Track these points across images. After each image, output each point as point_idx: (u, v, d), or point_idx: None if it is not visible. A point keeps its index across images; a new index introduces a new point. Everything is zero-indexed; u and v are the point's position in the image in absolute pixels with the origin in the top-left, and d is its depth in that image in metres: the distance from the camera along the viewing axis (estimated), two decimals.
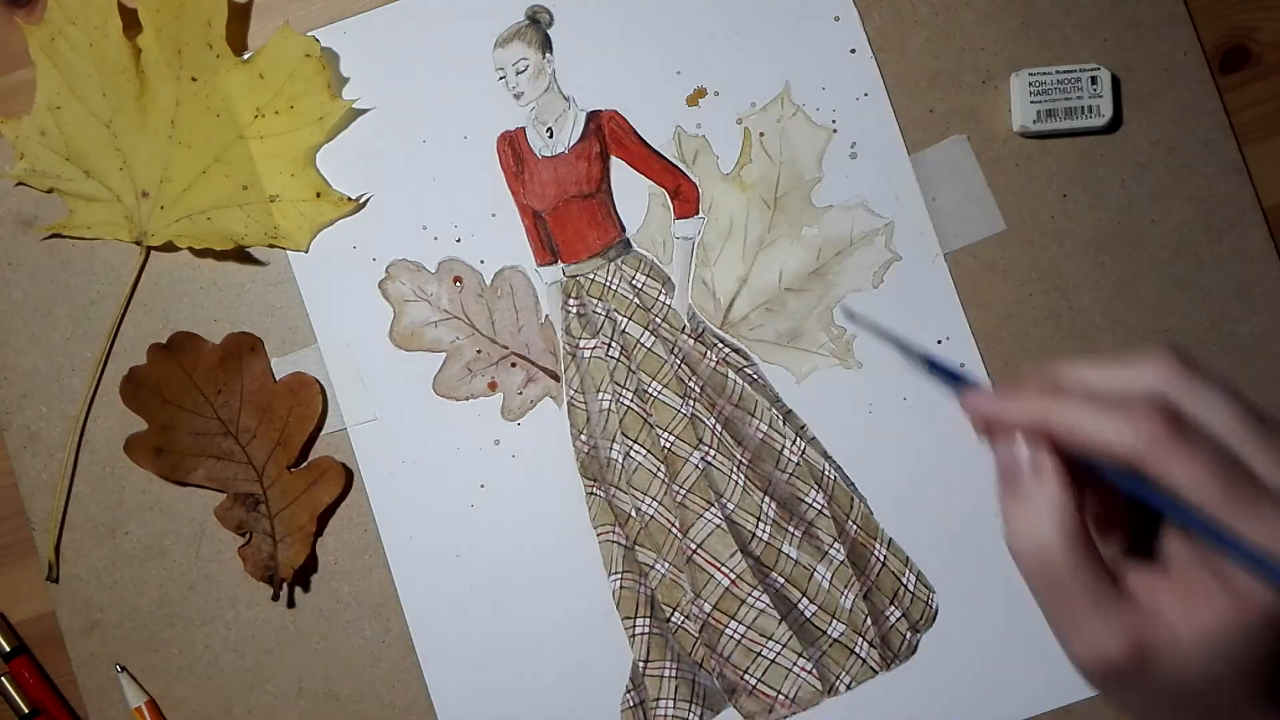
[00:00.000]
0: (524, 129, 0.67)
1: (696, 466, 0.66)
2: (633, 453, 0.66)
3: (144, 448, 0.65)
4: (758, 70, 0.67)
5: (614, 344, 0.67)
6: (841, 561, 0.66)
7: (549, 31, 0.67)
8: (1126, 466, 0.35)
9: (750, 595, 0.65)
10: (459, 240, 0.67)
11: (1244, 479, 0.34)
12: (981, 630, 0.65)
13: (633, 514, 0.66)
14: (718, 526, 0.66)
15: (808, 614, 0.66)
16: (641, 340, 0.67)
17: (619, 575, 0.66)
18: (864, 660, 0.65)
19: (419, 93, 0.67)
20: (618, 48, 0.67)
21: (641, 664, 0.65)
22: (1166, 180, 0.67)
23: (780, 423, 0.66)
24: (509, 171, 0.67)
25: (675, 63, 0.67)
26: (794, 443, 0.66)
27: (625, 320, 0.67)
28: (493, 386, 0.67)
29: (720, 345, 0.67)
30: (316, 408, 0.66)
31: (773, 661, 0.65)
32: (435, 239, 0.67)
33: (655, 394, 0.67)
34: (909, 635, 0.65)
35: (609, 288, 0.67)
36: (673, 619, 0.66)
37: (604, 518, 0.66)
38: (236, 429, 0.66)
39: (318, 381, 0.66)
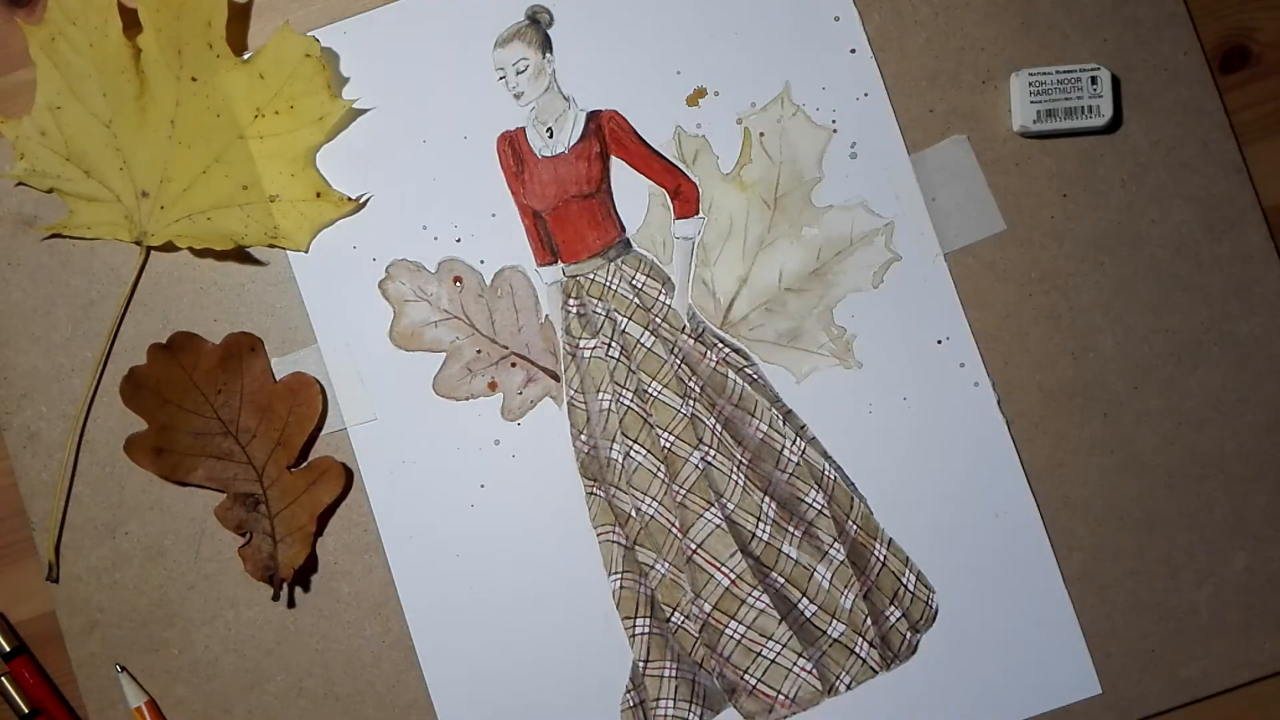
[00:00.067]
0: (524, 129, 0.67)
1: (696, 466, 0.66)
2: (633, 453, 0.66)
3: (144, 448, 0.65)
4: (758, 70, 0.67)
5: (614, 344, 0.67)
6: (841, 561, 0.66)
7: (549, 31, 0.67)
8: None
9: (750, 595, 0.65)
10: (459, 240, 0.67)
11: None
12: (981, 630, 0.65)
13: (633, 514, 0.66)
14: (718, 526, 0.66)
15: (808, 614, 0.66)
16: (641, 340, 0.67)
17: (619, 575, 0.66)
18: (864, 660, 0.65)
19: (419, 93, 0.67)
20: (618, 48, 0.67)
21: (641, 664, 0.65)
22: (1166, 180, 0.67)
23: (780, 423, 0.66)
24: (509, 171, 0.67)
25: (675, 63, 0.67)
26: (794, 443, 0.66)
27: (625, 320, 0.67)
28: (493, 386, 0.67)
29: (720, 345, 0.67)
30: (316, 408, 0.66)
31: (773, 661, 0.65)
32: (435, 239, 0.67)
33: (655, 394, 0.67)
34: (909, 635, 0.65)
35: (609, 288, 0.67)
36: (673, 619, 0.66)
37: (604, 518, 0.66)
38: (236, 429, 0.66)
39: (318, 381, 0.66)
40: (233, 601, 0.66)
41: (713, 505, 0.66)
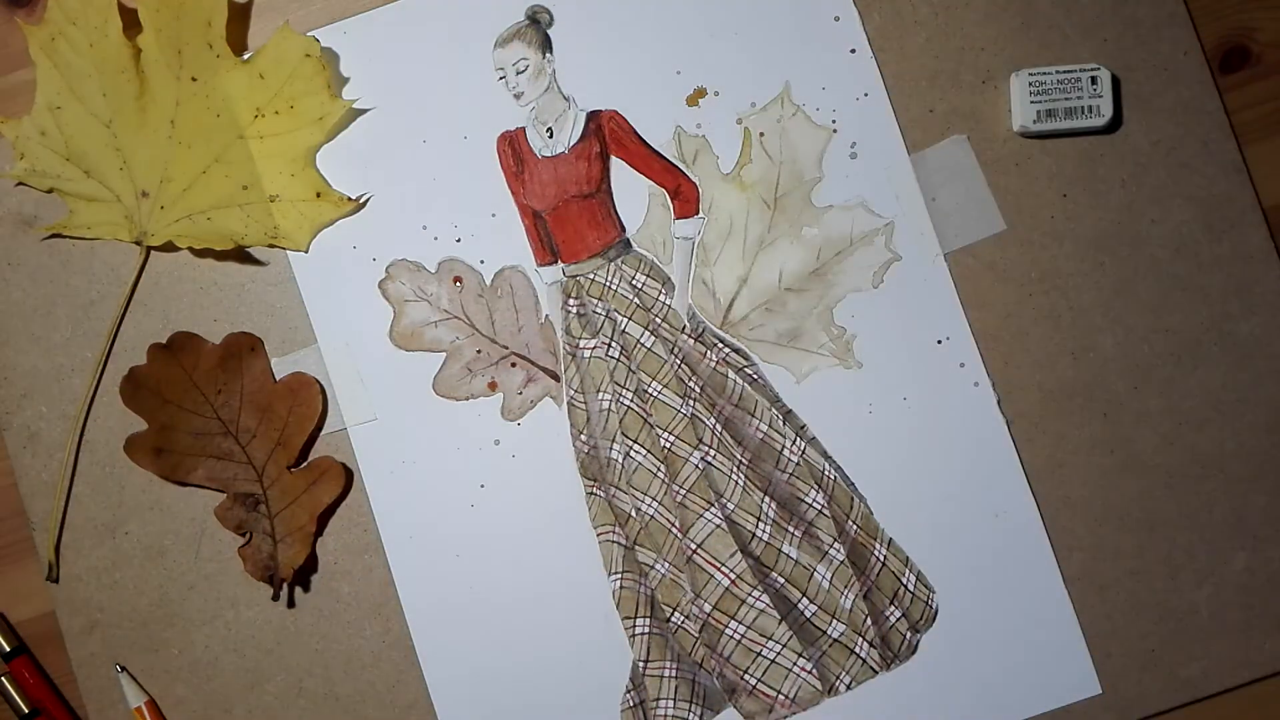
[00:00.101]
0: (524, 129, 0.67)
1: (696, 466, 0.66)
2: (633, 453, 0.66)
3: (144, 448, 0.65)
4: (758, 70, 0.67)
5: (614, 344, 0.67)
6: (841, 561, 0.66)
7: (549, 31, 0.67)
8: None
9: (750, 595, 0.65)
10: (459, 240, 0.67)
11: None
12: (981, 630, 0.65)
13: (633, 514, 0.66)
14: (718, 526, 0.66)
15: (808, 614, 0.66)
16: (641, 340, 0.67)
17: (619, 575, 0.66)
18: (864, 660, 0.65)
19: (419, 93, 0.67)
20: (618, 48, 0.67)
21: (641, 664, 0.65)
22: (1166, 180, 0.67)
23: (780, 423, 0.66)
24: (509, 171, 0.67)
25: (675, 63, 0.67)
26: (794, 443, 0.66)
27: (625, 320, 0.67)
28: (493, 386, 0.67)
29: (720, 345, 0.67)
30: (316, 408, 0.66)
31: (773, 661, 0.65)
32: (435, 239, 0.67)
33: (655, 394, 0.67)
34: (909, 635, 0.65)
35: (609, 288, 0.67)
36: (673, 619, 0.66)
37: (604, 518, 0.66)
38: (236, 429, 0.66)
39: (318, 381, 0.66)
40: (233, 601, 0.66)
41: (713, 505, 0.66)
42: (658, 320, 0.67)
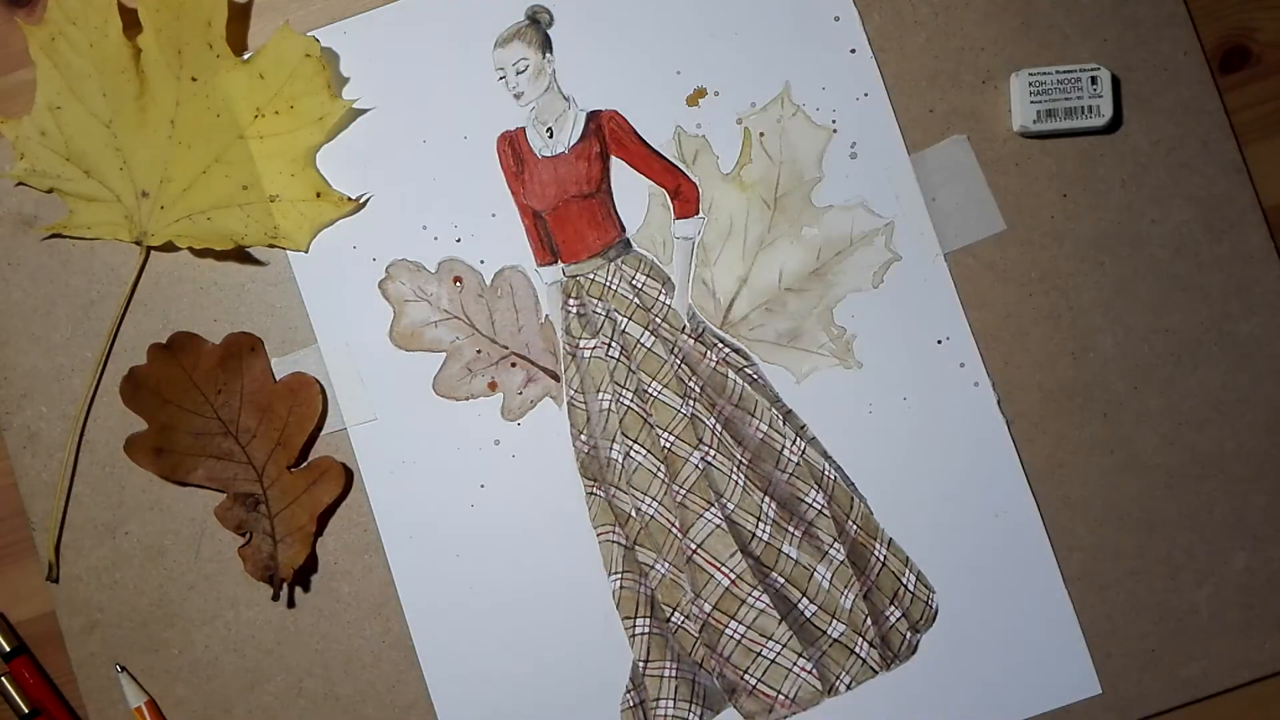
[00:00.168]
0: (524, 129, 0.67)
1: (696, 466, 0.66)
2: (633, 453, 0.66)
3: (144, 448, 0.65)
4: (758, 70, 0.67)
5: (614, 344, 0.67)
6: (841, 561, 0.66)
7: (549, 31, 0.67)
8: None
9: (750, 595, 0.65)
10: (459, 240, 0.67)
11: None
12: (981, 630, 0.65)
13: (633, 514, 0.66)
14: (718, 526, 0.66)
15: (808, 614, 0.66)
16: (641, 340, 0.67)
17: (619, 575, 0.66)
18: (864, 660, 0.65)
19: (419, 93, 0.67)
20: (618, 48, 0.67)
21: (641, 664, 0.65)
22: (1166, 180, 0.67)
23: (780, 423, 0.66)
24: (509, 171, 0.67)
25: (675, 63, 0.67)
26: (794, 443, 0.66)
27: (625, 320, 0.67)
28: (493, 386, 0.67)
29: (720, 345, 0.67)
30: (316, 408, 0.66)
31: (773, 661, 0.65)
32: (435, 239, 0.67)
33: (655, 394, 0.67)
34: (909, 635, 0.65)
35: (609, 288, 0.67)
36: (673, 619, 0.66)
37: (604, 518, 0.66)
38: (236, 429, 0.66)
39: (318, 381, 0.66)
40: (233, 601, 0.66)
41: (713, 505, 0.66)
42: (658, 320, 0.67)
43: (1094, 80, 0.66)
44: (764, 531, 0.66)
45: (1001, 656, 0.65)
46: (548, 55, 0.67)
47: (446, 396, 0.67)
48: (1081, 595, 0.65)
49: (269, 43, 0.65)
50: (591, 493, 0.67)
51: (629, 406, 0.67)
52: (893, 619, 0.65)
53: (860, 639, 0.65)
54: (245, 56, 0.67)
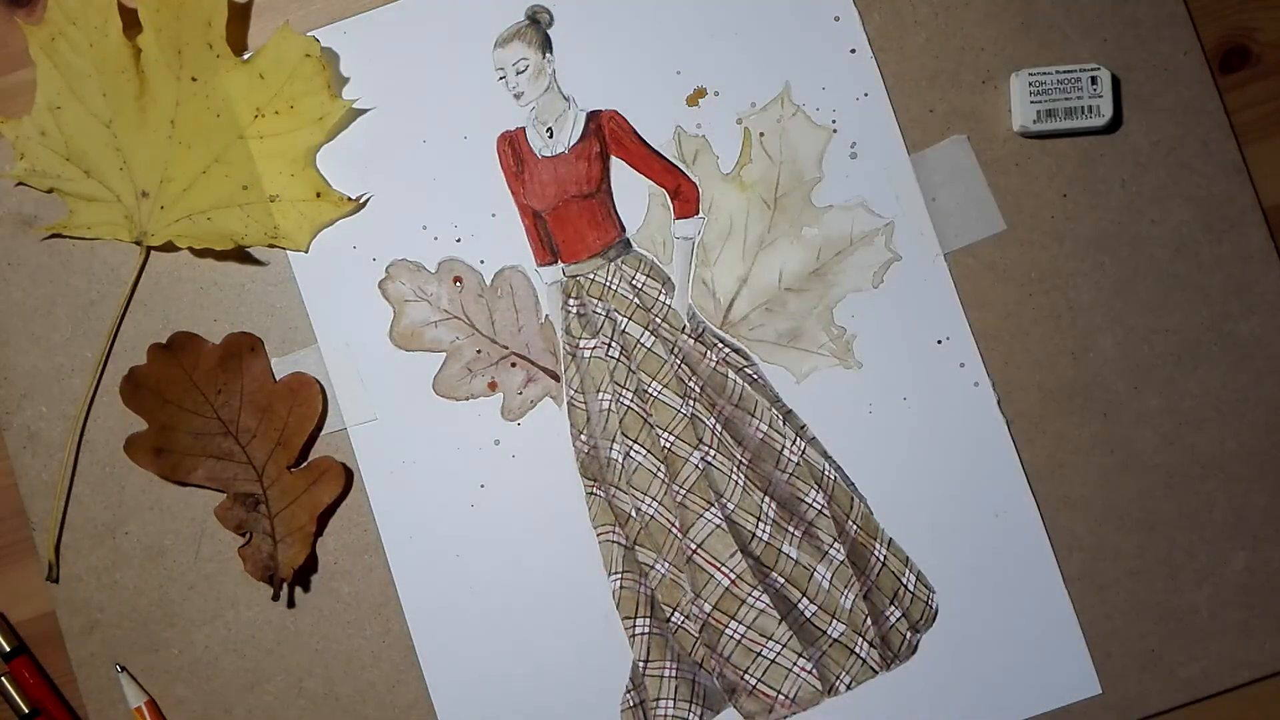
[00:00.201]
0: (524, 129, 0.67)
1: (696, 466, 0.66)
2: (633, 453, 0.66)
3: (144, 448, 0.65)
4: (758, 70, 0.67)
5: (614, 344, 0.67)
6: (841, 561, 0.66)
7: (549, 31, 0.67)
8: None
9: (750, 595, 0.65)
10: (459, 240, 0.67)
11: None
12: (981, 630, 0.65)
13: (633, 514, 0.66)
14: (718, 526, 0.66)
15: (808, 614, 0.66)
16: (641, 340, 0.67)
17: (619, 575, 0.66)
18: (864, 660, 0.65)
19: (419, 93, 0.67)
20: (618, 48, 0.67)
21: (641, 664, 0.65)
22: (1166, 180, 0.67)
23: (780, 423, 0.66)
24: (509, 171, 0.67)
25: (675, 63, 0.67)
26: (794, 443, 0.66)
27: (625, 320, 0.67)
28: (493, 386, 0.67)
29: (720, 345, 0.67)
30: (316, 408, 0.66)
31: (773, 661, 0.65)
32: (435, 239, 0.67)
33: (655, 394, 0.67)
34: (909, 635, 0.65)
35: (609, 288, 0.67)
36: (673, 619, 0.66)
37: (604, 518, 0.66)
38: (236, 429, 0.66)
39: (318, 381, 0.66)
40: (233, 601, 0.66)
41: (713, 505, 0.66)
42: (658, 320, 0.67)
43: (1094, 80, 0.66)
44: (764, 531, 0.66)
45: (1001, 656, 0.65)
46: (548, 55, 0.67)
47: (446, 396, 0.67)
48: (1081, 595, 0.65)
49: (269, 43, 0.65)
50: (591, 493, 0.67)
51: (629, 406, 0.67)
52: (893, 619, 0.65)
53: (860, 639, 0.65)
54: (245, 56, 0.67)
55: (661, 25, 0.68)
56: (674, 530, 0.66)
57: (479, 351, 0.67)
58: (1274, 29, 0.68)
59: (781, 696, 0.65)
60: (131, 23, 0.65)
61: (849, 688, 0.65)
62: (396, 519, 0.66)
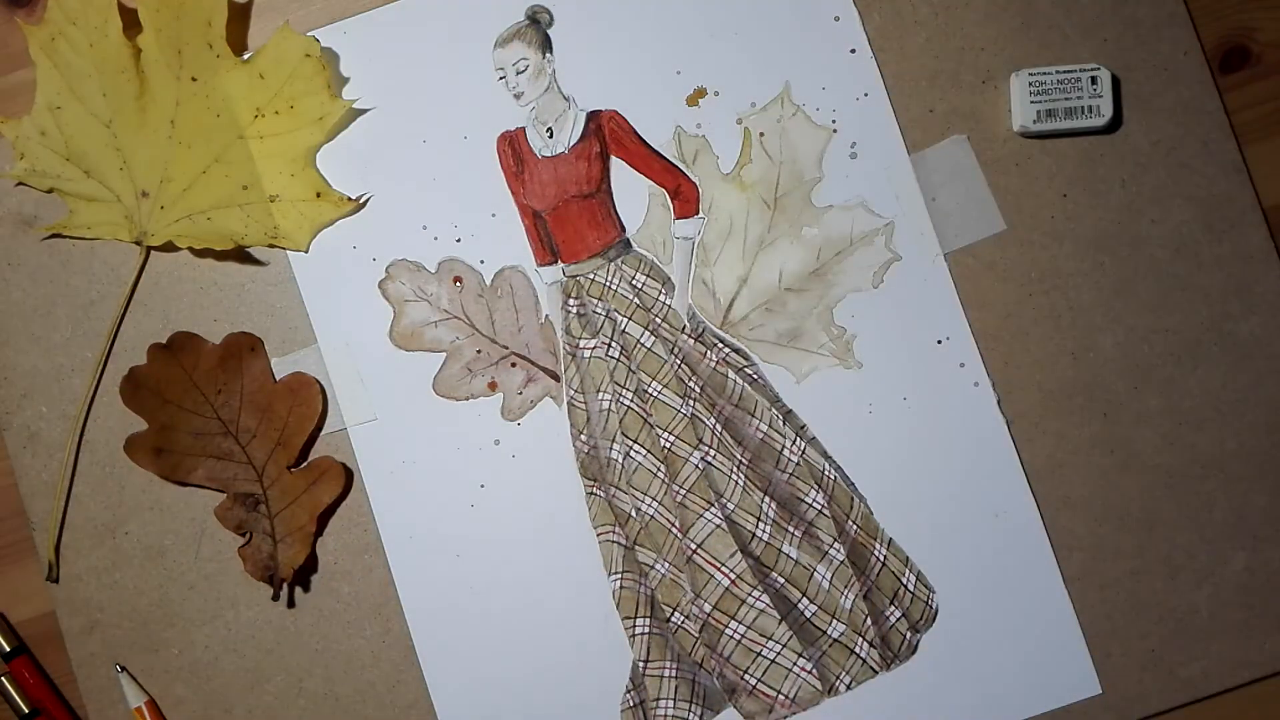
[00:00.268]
0: (524, 129, 0.67)
1: (696, 466, 0.66)
2: (633, 453, 0.66)
3: (144, 448, 0.65)
4: (758, 70, 0.67)
5: (614, 344, 0.67)
6: (841, 561, 0.66)
7: (549, 31, 0.67)
8: None
9: (750, 595, 0.65)
10: (459, 240, 0.67)
11: None
12: (981, 630, 0.65)
13: (633, 514, 0.66)
14: (718, 526, 0.66)
15: (808, 614, 0.66)
16: (641, 340, 0.67)
17: (619, 575, 0.66)
18: (864, 660, 0.65)
19: (419, 93, 0.67)
20: (618, 48, 0.67)
21: (641, 664, 0.65)
22: (1166, 180, 0.67)
23: (780, 423, 0.66)
24: (509, 171, 0.67)
25: (675, 63, 0.67)
26: (794, 443, 0.66)
27: (625, 320, 0.67)
28: (493, 386, 0.67)
29: (720, 345, 0.67)
30: (316, 408, 0.66)
31: (773, 661, 0.65)
32: (435, 239, 0.67)
33: (655, 394, 0.67)
34: (909, 635, 0.65)
35: (609, 288, 0.67)
36: (673, 619, 0.66)
37: (604, 518, 0.66)
38: (236, 429, 0.66)
39: (318, 381, 0.66)
40: (233, 601, 0.66)
41: (713, 505, 0.66)
42: (658, 320, 0.67)
43: (1094, 80, 0.66)
44: (764, 531, 0.66)
45: (1001, 656, 0.65)
46: (548, 55, 0.67)
47: (446, 396, 0.67)
48: (1081, 595, 0.65)
49: (269, 43, 0.65)
50: (591, 493, 0.67)
51: (629, 406, 0.67)
52: (893, 619, 0.65)
53: (860, 639, 0.65)
54: (245, 56, 0.67)
55: (661, 25, 0.68)
56: (674, 530, 0.66)
57: (479, 351, 0.67)
58: (1274, 29, 0.68)
59: (781, 696, 0.65)
60: (131, 23, 0.65)
61: (849, 688, 0.65)
62: (396, 519, 0.66)
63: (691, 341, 0.67)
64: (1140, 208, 0.67)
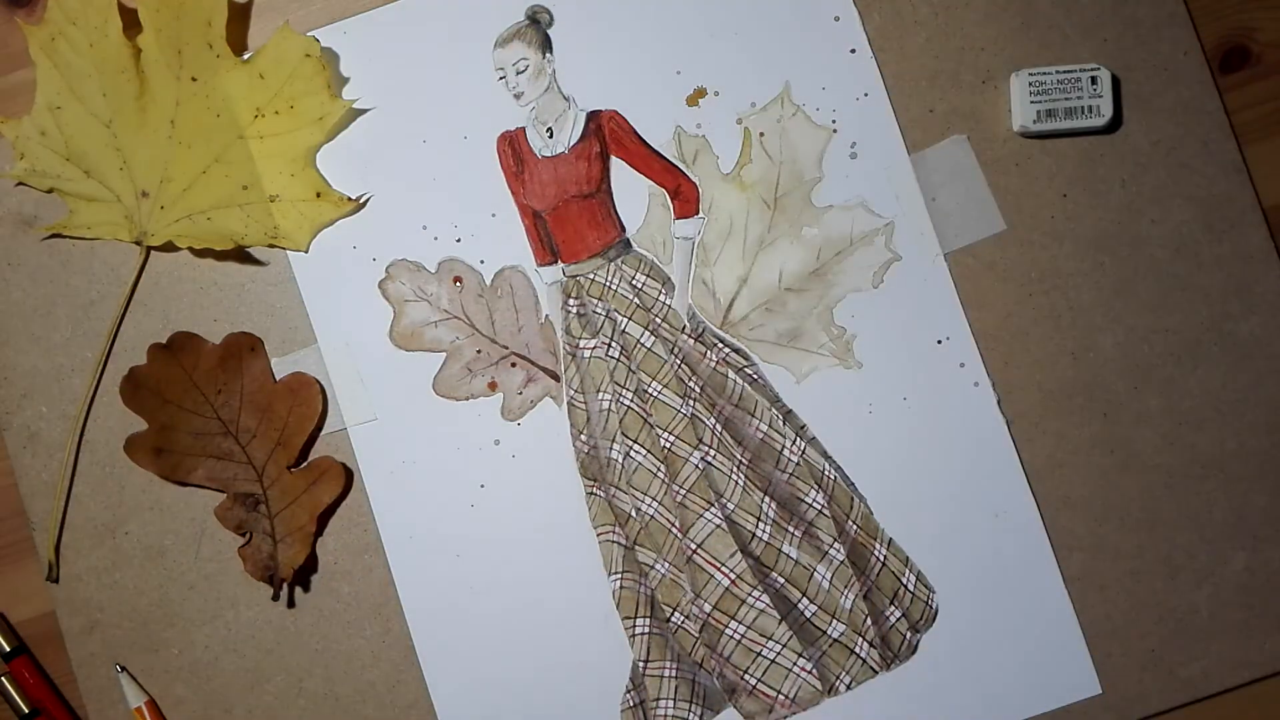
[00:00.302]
0: (524, 129, 0.67)
1: (696, 466, 0.66)
2: (633, 453, 0.66)
3: (144, 448, 0.65)
4: (758, 70, 0.67)
5: (614, 344, 0.67)
6: (841, 561, 0.66)
7: (549, 31, 0.67)
8: None
9: (750, 595, 0.65)
10: (459, 240, 0.67)
11: None
12: (981, 630, 0.65)
13: (633, 514, 0.66)
14: (718, 526, 0.66)
15: (808, 614, 0.66)
16: (641, 340, 0.67)
17: (619, 575, 0.66)
18: (864, 660, 0.65)
19: (419, 93, 0.67)
20: (618, 48, 0.67)
21: (641, 664, 0.65)
22: (1166, 180, 0.67)
23: (780, 423, 0.66)
24: (509, 171, 0.67)
25: (675, 63, 0.67)
26: (794, 443, 0.66)
27: (625, 320, 0.67)
28: (493, 386, 0.67)
29: (720, 345, 0.67)
30: (316, 408, 0.66)
31: (773, 661, 0.65)
32: (435, 239, 0.67)
33: (655, 394, 0.67)
34: (909, 635, 0.65)
35: (609, 288, 0.67)
36: (673, 619, 0.66)
37: (604, 518, 0.66)
38: (236, 429, 0.66)
39: (318, 381, 0.66)
40: (233, 601, 0.66)
41: (713, 505, 0.66)
42: (658, 320, 0.67)
43: (1094, 80, 0.66)
44: (764, 531, 0.66)
45: (1001, 656, 0.65)
46: (548, 55, 0.67)
47: (446, 396, 0.67)
48: (1081, 595, 0.65)
49: (269, 43, 0.65)
50: (591, 493, 0.67)
51: (629, 406, 0.67)
52: (893, 619, 0.65)
53: (860, 639, 0.65)
54: (245, 56, 0.67)
55: (661, 25, 0.68)
56: (674, 530, 0.66)
57: (479, 351, 0.67)
58: (1274, 29, 0.68)
59: (781, 696, 0.65)
60: (131, 23, 0.65)
61: (849, 688, 0.65)
62: (396, 519, 0.66)
63: (691, 341, 0.67)
64: (1140, 208, 0.67)
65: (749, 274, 0.67)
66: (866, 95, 0.67)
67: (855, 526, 0.66)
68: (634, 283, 0.67)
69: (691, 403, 0.67)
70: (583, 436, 0.67)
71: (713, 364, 0.67)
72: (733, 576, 0.65)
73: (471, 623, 0.66)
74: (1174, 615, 0.65)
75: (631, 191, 0.67)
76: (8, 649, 0.66)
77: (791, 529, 0.66)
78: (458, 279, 0.67)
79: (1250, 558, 0.66)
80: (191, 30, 0.65)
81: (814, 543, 0.66)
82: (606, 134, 0.67)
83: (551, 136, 0.67)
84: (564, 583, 0.66)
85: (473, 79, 0.67)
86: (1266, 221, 0.67)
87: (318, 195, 0.66)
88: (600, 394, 0.67)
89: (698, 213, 0.67)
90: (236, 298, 0.67)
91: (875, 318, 0.66)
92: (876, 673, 0.65)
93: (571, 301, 0.67)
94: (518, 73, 0.67)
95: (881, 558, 0.66)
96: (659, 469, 0.66)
